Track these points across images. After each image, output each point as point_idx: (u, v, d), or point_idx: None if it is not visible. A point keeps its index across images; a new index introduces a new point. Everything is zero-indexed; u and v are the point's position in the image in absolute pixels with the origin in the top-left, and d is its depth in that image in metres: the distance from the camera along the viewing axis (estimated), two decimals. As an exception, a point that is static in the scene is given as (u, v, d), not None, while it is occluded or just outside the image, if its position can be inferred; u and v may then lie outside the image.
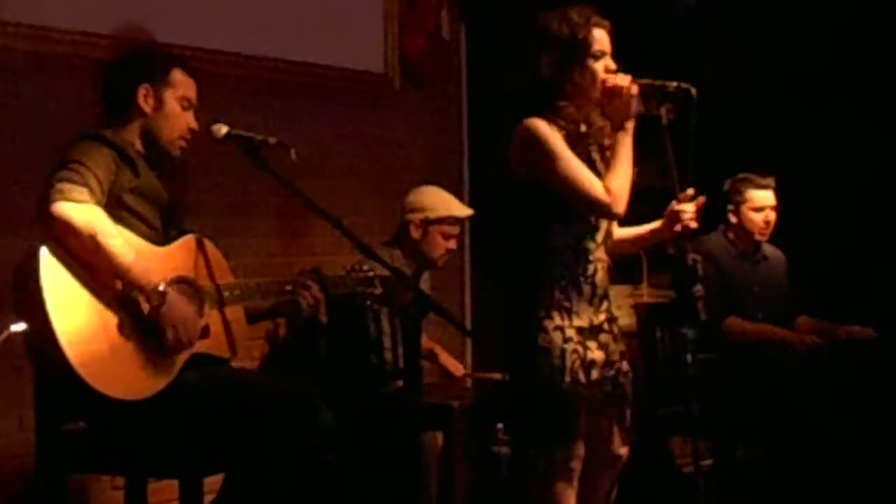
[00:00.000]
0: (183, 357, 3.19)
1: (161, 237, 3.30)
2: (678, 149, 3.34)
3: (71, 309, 3.00)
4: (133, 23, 4.14)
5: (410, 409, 3.35)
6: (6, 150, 3.86)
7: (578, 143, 3.35)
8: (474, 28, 5.67)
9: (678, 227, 3.39)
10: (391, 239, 4.42)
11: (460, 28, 5.65)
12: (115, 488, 3.90)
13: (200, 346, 3.24)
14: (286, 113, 4.71)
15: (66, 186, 3.05)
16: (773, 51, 5.78)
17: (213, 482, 3.37)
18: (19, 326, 2.99)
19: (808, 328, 4.92)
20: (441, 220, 4.37)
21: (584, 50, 3.32)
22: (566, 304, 3.36)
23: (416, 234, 4.35)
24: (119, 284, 3.09)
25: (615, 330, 3.48)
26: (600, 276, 3.42)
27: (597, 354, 3.39)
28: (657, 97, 3.35)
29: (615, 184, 3.32)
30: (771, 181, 4.91)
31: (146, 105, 3.36)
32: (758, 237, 4.96)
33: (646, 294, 5.84)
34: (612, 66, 3.36)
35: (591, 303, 3.40)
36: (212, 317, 3.29)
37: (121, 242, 3.08)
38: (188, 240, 3.37)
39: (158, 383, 3.13)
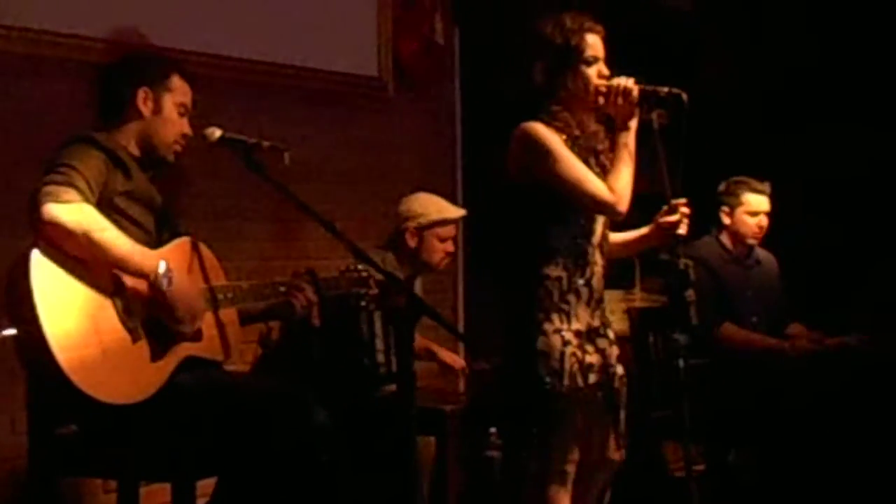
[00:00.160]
0: (175, 360, 3.19)
1: (154, 240, 3.28)
2: (669, 153, 3.35)
3: (62, 312, 2.98)
4: (128, 26, 4.14)
5: (404, 413, 3.35)
6: (1, 153, 3.85)
7: (575, 146, 3.36)
8: (468, 32, 5.66)
9: (668, 236, 3.40)
10: (384, 243, 4.42)
11: (454, 32, 5.65)
12: (108, 491, 3.90)
13: (194, 349, 3.24)
14: (279, 116, 4.71)
15: (53, 189, 3.01)
16: (768, 54, 5.79)
17: (205, 485, 3.37)
18: (11, 331, 2.98)
19: (800, 336, 4.92)
20: (434, 224, 4.36)
21: (576, 56, 3.33)
22: (564, 306, 3.36)
23: (412, 241, 4.34)
24: (112, 287, 3.09)
25: (610, 334, 3.48)
26: (597, 280, 3.43)
27: (594, 358, 3.39)
28: (648, 102, 3.34)
29: (619, 183, 3.32)
30: (767, 187, 4.91)
31: (145, 108, 3.35)
32: (750, 241, 4.96)
33: (638, 299, 5.85)
34: (606, 71, 3.37)
35: (588, 305, 3.41)
36: (205, 319, 3.28)
37: (115, 234, 3.06)
38: (182, 242, 3.36)
39: (150, 387, 3.12)
